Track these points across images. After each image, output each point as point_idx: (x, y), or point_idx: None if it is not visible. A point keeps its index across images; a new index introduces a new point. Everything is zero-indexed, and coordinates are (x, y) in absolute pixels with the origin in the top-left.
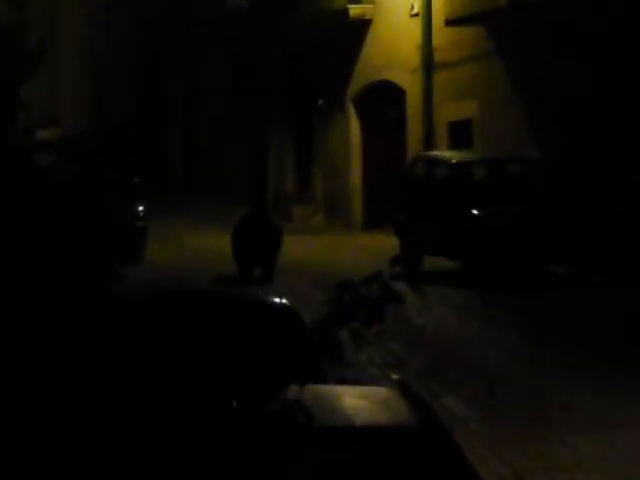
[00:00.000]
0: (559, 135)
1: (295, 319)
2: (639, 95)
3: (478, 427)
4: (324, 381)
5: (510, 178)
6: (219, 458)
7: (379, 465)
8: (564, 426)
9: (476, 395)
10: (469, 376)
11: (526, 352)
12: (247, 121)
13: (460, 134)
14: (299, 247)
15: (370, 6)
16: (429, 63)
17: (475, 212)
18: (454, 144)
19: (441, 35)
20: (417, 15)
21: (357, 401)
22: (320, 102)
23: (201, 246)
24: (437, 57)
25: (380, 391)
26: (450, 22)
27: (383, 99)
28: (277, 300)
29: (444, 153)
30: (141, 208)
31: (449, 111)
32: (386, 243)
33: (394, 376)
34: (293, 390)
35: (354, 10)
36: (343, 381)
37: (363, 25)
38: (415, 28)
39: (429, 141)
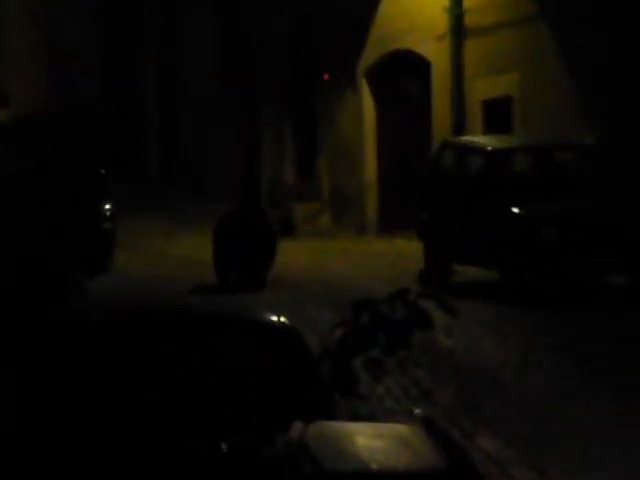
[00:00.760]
0: (620, 117)
1: (297, 342)
2: None
3: (519, 473)
4: (332, 417)
5: (559, 169)
6: None
7: None
8: (620, 472)
9: (517, 435)
10: (508, 411)
11: (576, 383)
12: (237, 101)
13: (497, 115)
14: (301, 254)
15: None
16: (459, 28)
17: (516, 211)
18: (490, 127)
19: None
20: None
21: (371, 441)
22: (326, 77)
23: (179, 252)
24: (468, 21)
25: (399, 429)
26: None
27: (403, 73)
28: (274, 318)
29: (478, 139)
30: (108, 206)
31: (483, 87)
32: (407, 250)
33: (416, 410)
34: (295, 428)
35: None
36: (355, 417)
37: None
38: None
39: (459, 124)
